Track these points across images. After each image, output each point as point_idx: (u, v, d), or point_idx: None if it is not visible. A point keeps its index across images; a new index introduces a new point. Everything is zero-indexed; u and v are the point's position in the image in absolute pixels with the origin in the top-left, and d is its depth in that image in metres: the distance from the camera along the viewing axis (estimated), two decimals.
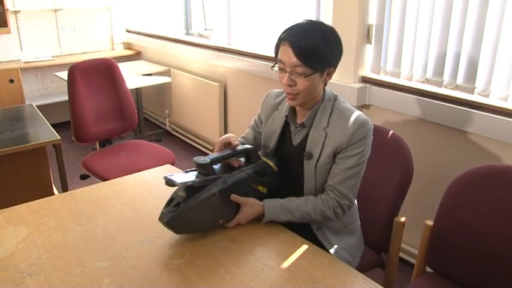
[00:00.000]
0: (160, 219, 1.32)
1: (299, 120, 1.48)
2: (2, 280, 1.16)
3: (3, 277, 1.17)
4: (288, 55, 1.32)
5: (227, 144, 1.46)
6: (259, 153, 1.53)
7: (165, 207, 1.35)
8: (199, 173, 1.36)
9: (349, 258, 1.51)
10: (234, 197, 1.38)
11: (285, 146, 1.52)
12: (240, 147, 1.47)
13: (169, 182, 1.29)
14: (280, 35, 1.37)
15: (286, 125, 1.51)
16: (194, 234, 1.36)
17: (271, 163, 1.50)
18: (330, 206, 1.41)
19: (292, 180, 1.50)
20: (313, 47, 1.30)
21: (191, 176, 1.34)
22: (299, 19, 1.39)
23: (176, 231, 1.34)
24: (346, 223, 1.53)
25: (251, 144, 1.63)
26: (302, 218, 1.42)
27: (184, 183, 1.31)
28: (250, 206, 1.40)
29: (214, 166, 1.42)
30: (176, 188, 1.34)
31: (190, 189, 1.32)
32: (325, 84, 1.44)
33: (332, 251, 1.48)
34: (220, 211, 1.37)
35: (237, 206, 1.40)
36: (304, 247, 1.31)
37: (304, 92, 1.36)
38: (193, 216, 1.31)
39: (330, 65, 1.36)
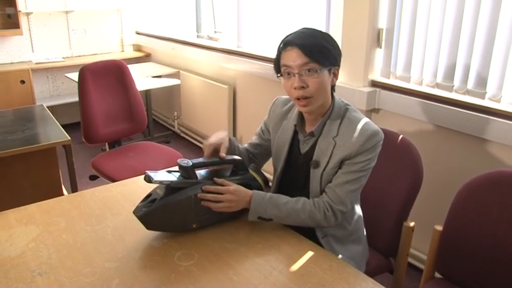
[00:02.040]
0: (134, 212, 1.34)
1: (307, 129, 1.46)
2: (12, 279, 1.18)
3: (14, 276, 1.19)
4: (294, 57, 1.33)
5: (215, 152, 1.43)
6: (251, 166, 1.51)
7: (141, 201, 1.36)
8: (180, 175, 1.37)
9: (354, 266, 1.50)
10: (218, 180, 1.37)
11: (293, 154, 1.51)
12: (228, 157, 1.45)
13: (147, 178, 1.29)
14: (280, 44, 1.40)
15: (294, 134, 1.50)
16: (203, 236, 1.36)
17: (259, 178, 1.48)
18: (320, 208, 1.38)
19: (298, 188, 1.49)
20: (319, 44, 1.33)
21: (172, 177, 1.35)
22: (309, 22, 1.40)
23: (147, 227, 1.34)
24: (351, 232, 1.51)
25: (255, 153, 1.63)
26: (289, 216, 1.38)
27: (161, 182, 1.32)
28: (235, 194, 1.37)
29: (201, 172, 1.42)
30: (157, 185, 1.35)
31: (169, 188, 1.33)
32: (333, 89, 1.43)
33: None
34: (195, 215, 1.36)
35: (214, 214, 1.37)
36: (313, 251, 1.31)
37: (316, 94, 1.34)
38: (165, 215, 1.32)
39: (335, 63, 1.38)
